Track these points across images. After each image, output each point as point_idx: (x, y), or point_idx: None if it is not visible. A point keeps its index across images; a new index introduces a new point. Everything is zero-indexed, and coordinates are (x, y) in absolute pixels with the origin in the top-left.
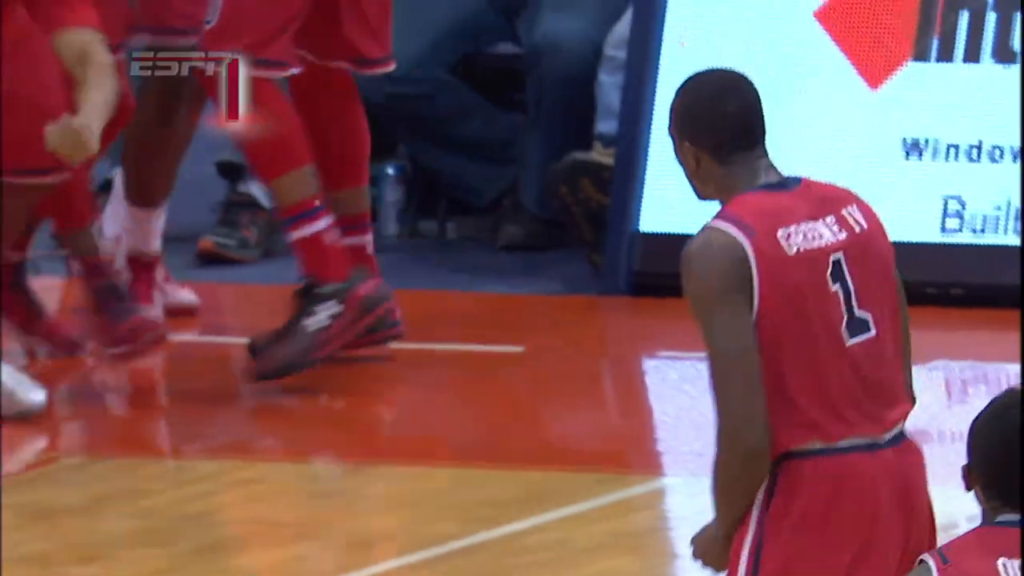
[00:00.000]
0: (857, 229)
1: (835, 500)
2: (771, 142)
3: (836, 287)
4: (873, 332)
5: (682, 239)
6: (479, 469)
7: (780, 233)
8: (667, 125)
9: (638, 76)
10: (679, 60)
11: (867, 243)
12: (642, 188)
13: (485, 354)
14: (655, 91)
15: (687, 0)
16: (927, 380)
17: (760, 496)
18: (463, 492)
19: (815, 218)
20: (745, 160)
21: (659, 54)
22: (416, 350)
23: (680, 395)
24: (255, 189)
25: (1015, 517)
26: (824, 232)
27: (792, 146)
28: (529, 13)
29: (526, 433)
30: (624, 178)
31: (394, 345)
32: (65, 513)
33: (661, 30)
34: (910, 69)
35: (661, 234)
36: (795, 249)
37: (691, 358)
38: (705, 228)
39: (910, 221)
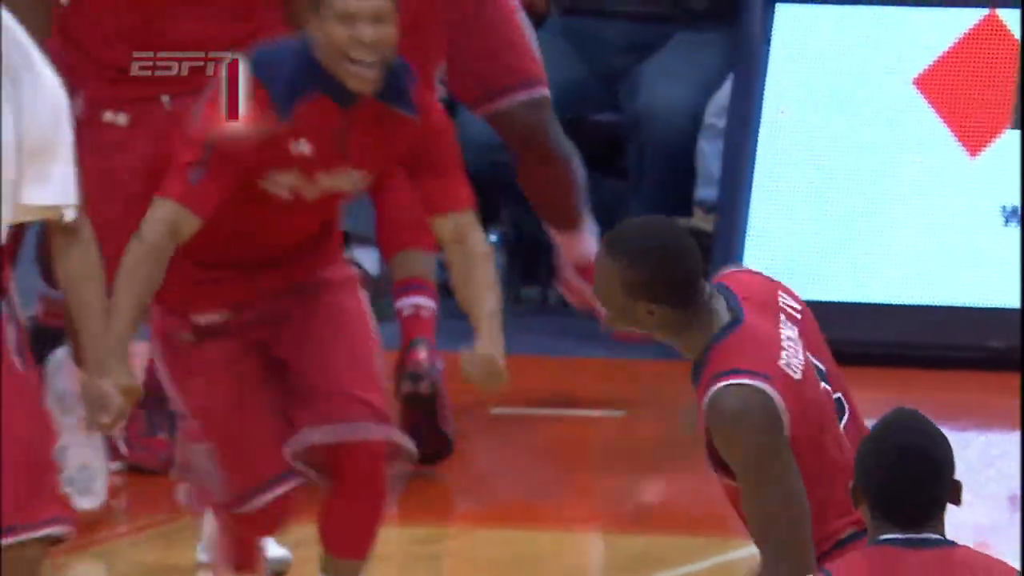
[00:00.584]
0: (799, 316)
1: None
2: (871, 208)
3: (824, 384)
4: (848, 408)
5: None
6: (581, 533)
7: (781, 363)
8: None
9: (738, 144)
10: (778, 128)
11: (808, 324)
12: (742, 254)
13: (586, 419)
14: (754, 159)
15: (787, 68)
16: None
17: None
18: (565, 557)
19: (779, 327)
20: (703, 303)
21: (759, 122)
22: (519, 415)
23: None
24: (359, 254)
25: (902, 536)
26: (791, 335)
27: (891, 213)
28: (630, 81)
29: (628, 498)
30: (724, 244)
31: (497, 410)
32: None
33: (761, 98)
34: (1009, 137)
35: None
36: (798, 373)
37: None
38: (729, 387)
39: (1008, 288)
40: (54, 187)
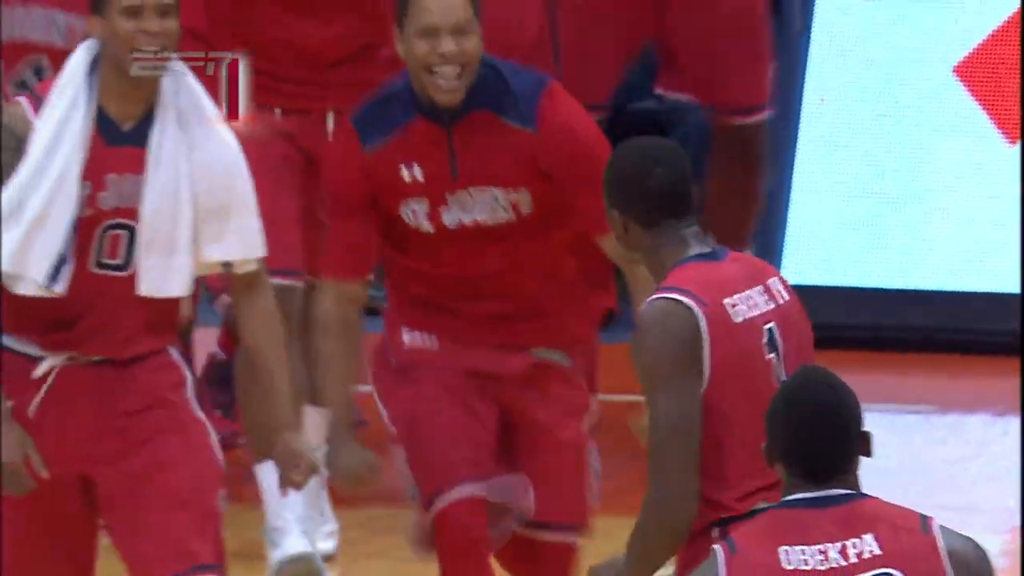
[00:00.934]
0: (781, 300)
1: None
2: (911, 195)
3: (771, 355)
4: None
5: (825, 291)
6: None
7: (727, 302)
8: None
9: (778, 132)
10: (819, 117)
11: (789, 314)
12: (783, 241)
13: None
14: (796, 146)
15: (827, 57)
16: None
17: (720, 564)
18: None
19: (749, 287)
20: (674, 228)
21: (799, 111)
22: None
23: None
24: None
25: (808, 495)
26: (758, 301)
27: (930, 200)
28: None
29: None
30: (766, 231)
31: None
32: None
33: (801, 87)
34: None
35: (803, 286)
36: (740, 318)
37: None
38: (658, 297)
39: None
40: (234, 241)
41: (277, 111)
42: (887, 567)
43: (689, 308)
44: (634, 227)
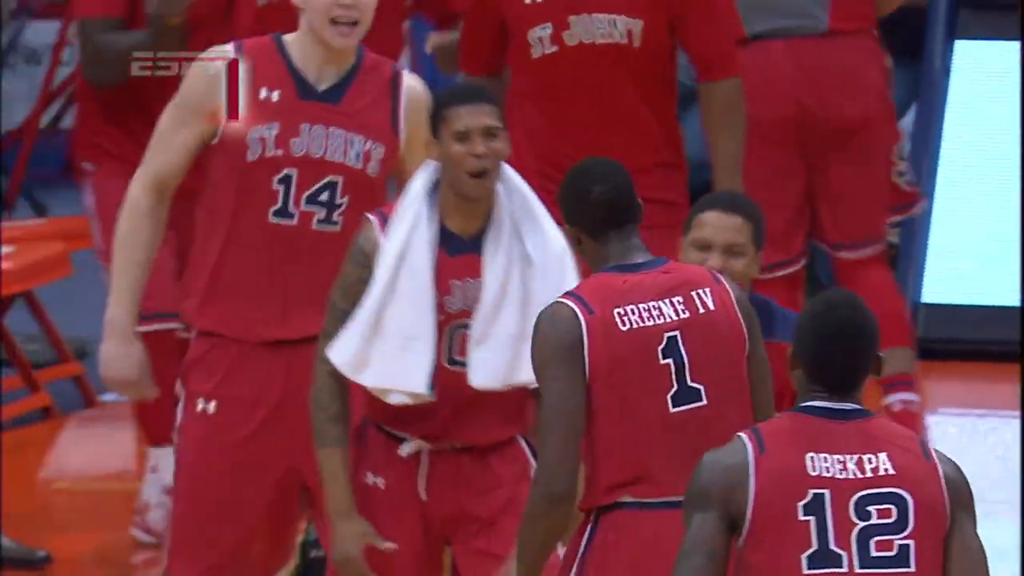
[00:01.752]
0: (701, 310)
1: (634, 551)
2: None
3: (668, 360)
4: (704, 402)
5: (962, 309)
6: None
7: (618, 311)
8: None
9: (920, 167)
10: (958, 152)
11: (708, 323)
12: (924, 262)
13: None
14: (935, 180)
15: (966, 99)
16: None
17: (583, 542)
18: None
19: (661, 298)
20: (617, 238)
21: (939, 147)
22: None
23: (960, 449)
24: None
25: (829, 405)
26: (666, 310)
27: None
28: None
29: None
30: (909, 253)
31: None
32: None
33: (941, 126)
34: None
35: (943, 304)
36: (628, 326)
37: (971, 415)
38: (557, 300)
39: None
40: None
41: None
42: (899, 487)
43: (574, 313)
44: (586, 239)
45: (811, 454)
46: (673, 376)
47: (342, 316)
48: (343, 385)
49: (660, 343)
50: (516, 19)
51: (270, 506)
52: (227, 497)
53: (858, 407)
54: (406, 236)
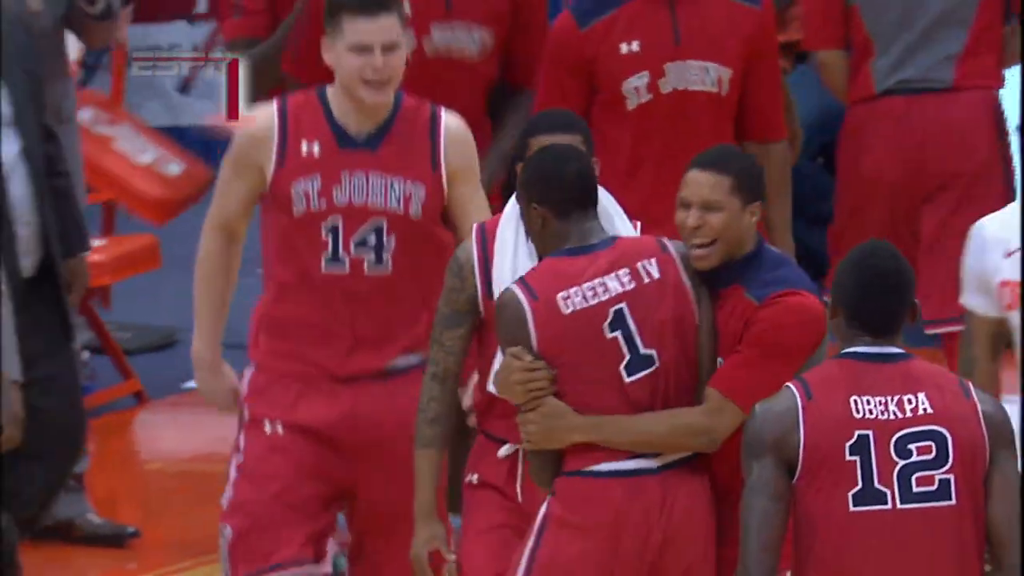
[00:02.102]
0: (646, 280)
1: (587, 514)
2: None
3: (615, 334)
4: (656, 365)
5: None
6: None
7: (560, 295)
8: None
9: None
10: None
11: (655, 290)
12: None
13: None
14: None
15: None
16: None
17: (543, 506)
18: None
19: (607, 273)
20: (581, 219)
21: None
22: None
23: None
24: None
25: (865, 349)
26: (611, 284)
27: None
28: None
29: None
30: None
31: None
32: None
33: None
34: None
35: None
36: (571, 309)
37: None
38: (506, 287)
39: None
40: None
41: None
42: (937, 424)
43: (519, 300)
44: (551, 219)
45: (855, 397)
46: (623, 347)
47: (441, 320)
48: (445, 389)
49: (606, 319)
50: (610, 72)
51: (317, 497)
52: (282, 474)
53: (899, 350)
54: (504, 257)
